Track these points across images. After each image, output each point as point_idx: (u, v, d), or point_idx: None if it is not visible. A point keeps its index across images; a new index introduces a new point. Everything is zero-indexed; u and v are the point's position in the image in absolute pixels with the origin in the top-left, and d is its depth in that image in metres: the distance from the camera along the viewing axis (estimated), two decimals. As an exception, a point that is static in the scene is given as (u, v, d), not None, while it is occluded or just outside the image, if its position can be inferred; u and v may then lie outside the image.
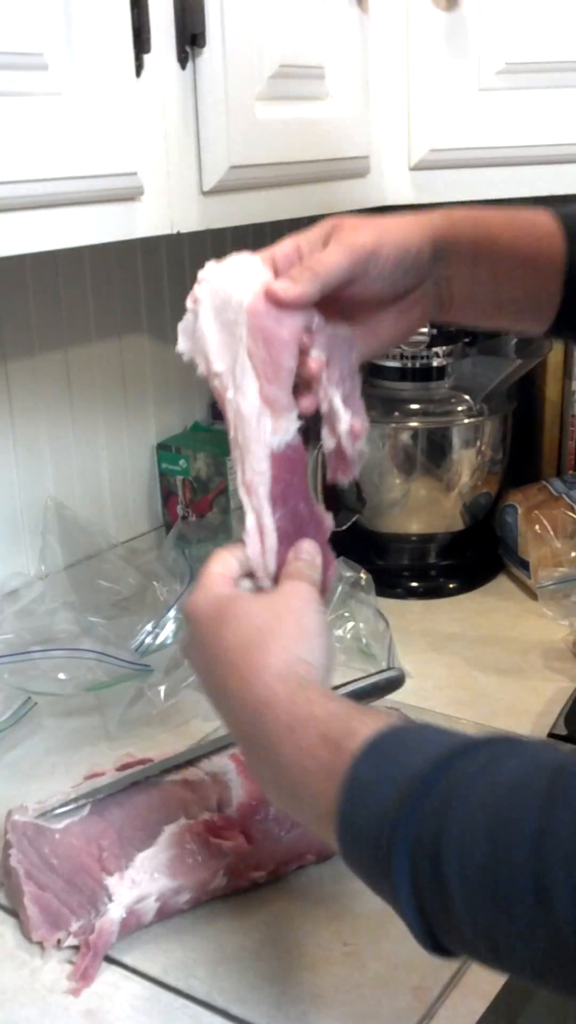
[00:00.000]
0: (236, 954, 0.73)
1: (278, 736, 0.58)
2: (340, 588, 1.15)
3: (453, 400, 1.25)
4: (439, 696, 1.04)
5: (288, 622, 0.65)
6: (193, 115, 0.88)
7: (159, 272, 1.32)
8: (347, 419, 0.71)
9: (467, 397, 1.25)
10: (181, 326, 0.71)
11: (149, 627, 1.11)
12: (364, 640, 1.11)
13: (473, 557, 1.34)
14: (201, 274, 0.70)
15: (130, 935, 0.75)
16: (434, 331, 1.22)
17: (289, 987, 0.70)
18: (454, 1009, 0.68)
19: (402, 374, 1.24)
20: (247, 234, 1.45)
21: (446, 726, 0.56)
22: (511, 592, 1.29)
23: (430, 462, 1.25)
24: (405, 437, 1.24)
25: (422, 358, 1.24)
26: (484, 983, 0.70)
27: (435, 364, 1.24)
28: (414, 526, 1.29)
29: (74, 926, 0.74)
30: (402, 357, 1.23)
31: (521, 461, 1.41)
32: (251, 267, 0.69)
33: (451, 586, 1.29)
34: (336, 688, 0.92)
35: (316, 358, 0.69)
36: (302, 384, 0.70)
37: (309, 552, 0.71)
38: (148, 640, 1.10)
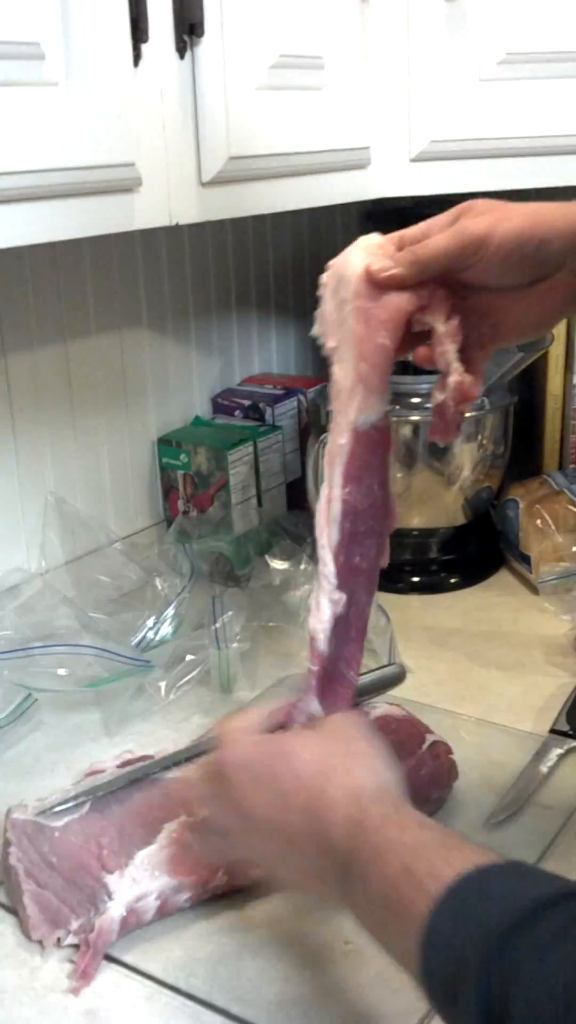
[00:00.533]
0: (236, 953, 0.73)
1: (367, 860, 0.58)
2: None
3: (455, 393, 1.24)
4: (440, 691, 1.04)
5: (360, 742, 0.66)
6: (192, 105, 0.87)
7: (159, 265, 1.32)
8: (458, 374, 0.69)
9: (469, 390, 1.24)
10: (317, 313, 0.72)
11: (150, 623, 1.11)
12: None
13: (474, 552, 1.33)
14: (331, 261, 0.72)
15: (130, 934, 0.74)
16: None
17: (290, 986, 0.70)
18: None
19: (403, 367, 1.22)
20: (247, 226, 1.45)
21: (532, 866, 0.55)
22: (512, 587, 1.28)
23: (431, 456, 1.25)
24: (406, 431, 1.23)
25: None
26: (487, 981, 0.70)
27: (436, 357, 1.23)
28: (415, 520, 1.28)
29: (74, 925, 0.73)
30: (403, 351, 1.22)
31: (522, 455, 1.40)
32: (370, 247, 0.70)
33: (452, 581, 1.29)
34: None
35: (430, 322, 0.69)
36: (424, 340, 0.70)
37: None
38: (149, 636, 1.10)
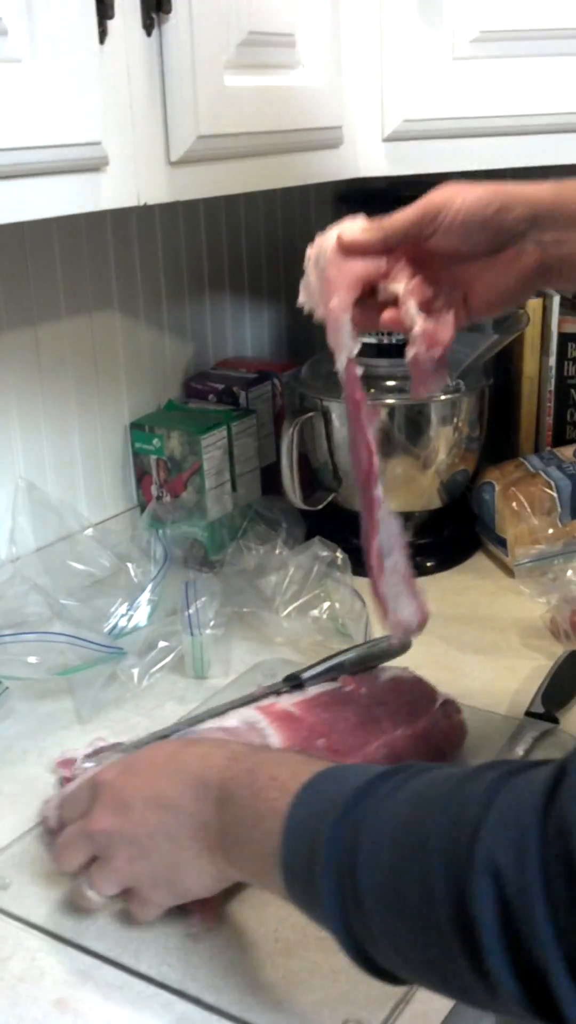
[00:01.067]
0: (209, 941, 0.72)
1: (239, 782, 0.65)
2: (316, 567, 1.14)
3: (429, 376, 1.24)
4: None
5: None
6: (159, 83, 0.85)
7: (130, 247, 1.30)
8: (421, 324, 0.75)
9: (443, 373, 1.24)
10: (301, 282, 0.81)
11: (122, 609, 1.10)
12: (340, 620, 1.10)
13: (450, 535, 1.33)
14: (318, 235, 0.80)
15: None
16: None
17: (263, 973, 0.69)
18: (429, 995, 0.67)
19: (379, 350, 1.23)
20: (219, 206, 1.43)
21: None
22: (488, 570, 1.28)
23: (407, 439, 1.24)
24: (382, 414, 1.22)
25: (398, 334, 1.22)
26: (461, 966, 0.69)
27: (411, 340, 1.23)
28: (391, 504, 1.27)
29: None
30: (378, 333, 1.21)
31: (498, 438, 1.39)
32: (350, 224, 0.79)
33: (428, 564, 1.28)
34: (343, 652, 0.99)
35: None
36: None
37: None
38: (121, 622, 1.09)
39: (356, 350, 0.78)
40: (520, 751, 0.91)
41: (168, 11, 0.83)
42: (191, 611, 1.05)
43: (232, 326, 1.50)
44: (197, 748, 0.72)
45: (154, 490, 1.31)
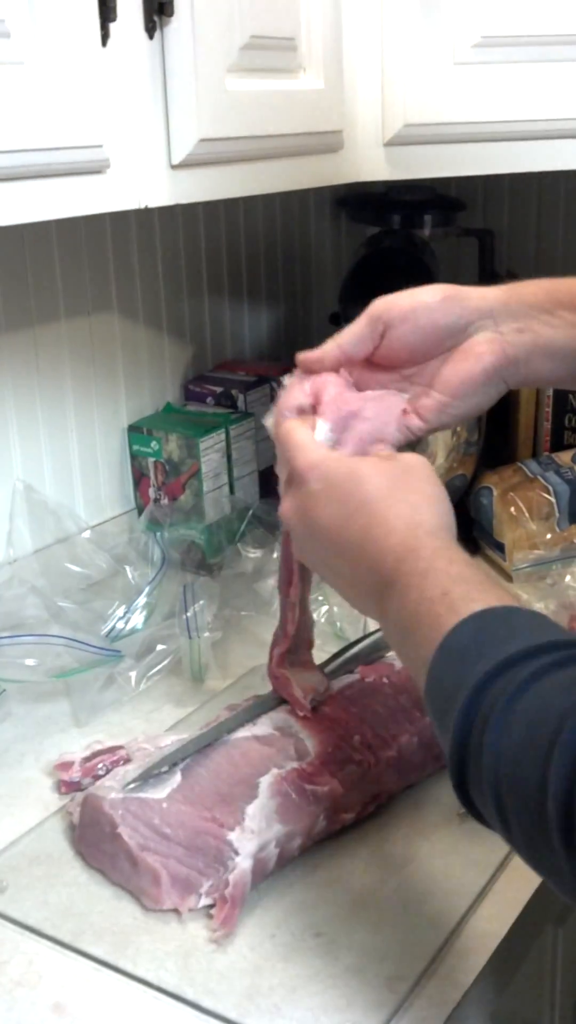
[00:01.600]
0: (207, 945, 0.72)
1: (410, 580, 0.62)
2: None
3: (428, 381, 1.24)
4: (414, 680, 1.03)
5: (426, 482, 0.68)
6: (161, 86, 0.85)
7: (129, 249, 1.30)
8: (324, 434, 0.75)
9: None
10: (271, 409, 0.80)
11: (120, 612, 1.10)
12: (339, 624, 1.10)
13: (448, 539, 1.33)
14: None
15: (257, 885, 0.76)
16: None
17: (261, 978, 0.69)
18: (429, 999, 0.67)
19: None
20: (218, 209, 1.43)
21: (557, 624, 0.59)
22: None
23: (405, 444, 1.24)
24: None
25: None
26: (459, 972, 0.69)
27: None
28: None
29: (205, 886, 0.75)
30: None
31: (496, 443, 1.39)
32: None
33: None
34: (355, 643, 0.98)
35: None
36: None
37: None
38: (119, 625, 1.09)
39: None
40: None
41: (170, 14, 0.83)
42: (189, 614, 1.04)
43: (231, 329, 1.50)
44: (389, 513, 0.66)
45: (152, 493, 1.31)
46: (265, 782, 0.80)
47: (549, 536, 1.23)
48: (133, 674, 1.03)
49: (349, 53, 1.04)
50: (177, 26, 0.84)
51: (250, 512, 1.31)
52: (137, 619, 1.09)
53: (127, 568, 1.17)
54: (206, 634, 1.04)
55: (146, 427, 1.30)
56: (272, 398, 1.38)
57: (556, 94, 1.06)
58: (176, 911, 0.74)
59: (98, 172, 0.81)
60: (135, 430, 1.31)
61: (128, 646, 1.05)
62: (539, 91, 1.06)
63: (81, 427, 1.27)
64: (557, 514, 1.24)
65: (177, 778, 0.81)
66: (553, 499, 1.25)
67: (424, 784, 0.87)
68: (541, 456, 1.39)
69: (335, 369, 0.77)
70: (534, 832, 0.50)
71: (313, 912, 0.75)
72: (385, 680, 0.92)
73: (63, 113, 0.76)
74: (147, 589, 1.12)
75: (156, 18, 0.83)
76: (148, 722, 0.98)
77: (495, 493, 1.28)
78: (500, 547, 1.26)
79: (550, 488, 1.26)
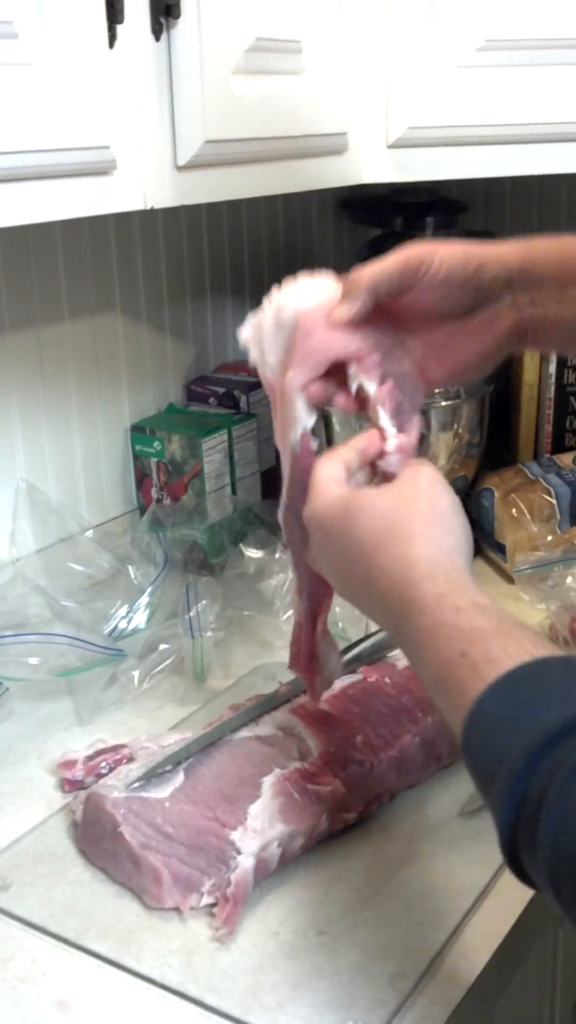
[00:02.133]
0: (210, 943, 0.72)
1: (420, 638, 0.59)
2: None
3: (430, 382, 1.24)
4: (415, 680, 1.04)
5: (421, 505, 0.64)
6: (167, 88, 0.86)
7: (133, 250, 1.30)
8: (395, 439, 0.70)
9: (444, 379, 1.24)
10: (250, 317, 0.75)
11: (123, 611, 1.10)
12: (340, 624, 1.10)
13: (449, 541, 1.33)
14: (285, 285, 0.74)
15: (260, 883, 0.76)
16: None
17: (264, 976, 0.69)
18: (431, 996, 0.68)
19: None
20: (221, 210, 1.44)
21: None
22: (488, 576, 1.28)
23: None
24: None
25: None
26: (461, 970, 0.70)
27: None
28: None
29: (207, 885, 0.75)
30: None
31: (498, 444, 1.40)
32: (320, 284, 0.73)
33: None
34: (357, 643, 0.98)
35: (367, 383, 0.71)
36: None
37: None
38: (121, 625, 1.09)
39: (311, 423, 0.72)
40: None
41: (177, 16, 0.84)
42: (191, 614, 1.05)
43: (233, 330, 1.49)
44: (383, 558, 0.63)
45: (154, 493, 1.32)
46: (268, 782, 0.80)
47: (550, 538, 1.24)
48: (136, 673, 1.03)
49: (353, 56, 1.05)
50: (183, 28, 0.85)
51: (252, 512, 1.31)
52: (140, 619, 1.09)
53: (130, 568, 1.17)
54: (208, 634, 1.05)
55: (149, 427, 1.31)
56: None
57: (558, 97, 1.07)
58: (178, 910, 0.75)
59: (105, 173, 0.81)
60: (138, 430, 1.31)
61: (131, 645, 1.05)
62: (542, 94, 1.07)
63: (84, 427, 1.27)
64: (558, 516, 1.25)
65: (180, 777, 0.81)
66: (554, 501, 1.25)
67: (426, 783, 0.88)
68: (542, 458, 1.39)
69: (355, 323, 0.71)
70: None
71: (316, 910, 0.75)
72: (387, 680, 0.92)
73: (70, 114, 0.77)
74: (149, 589, 1.12)
75: (163, 20, 0.84)
76: (151, 721, 0.99)
77: (496, 495, 1.28)
78: (501, 549, 1.26)
79: (551, 490, 1.26)
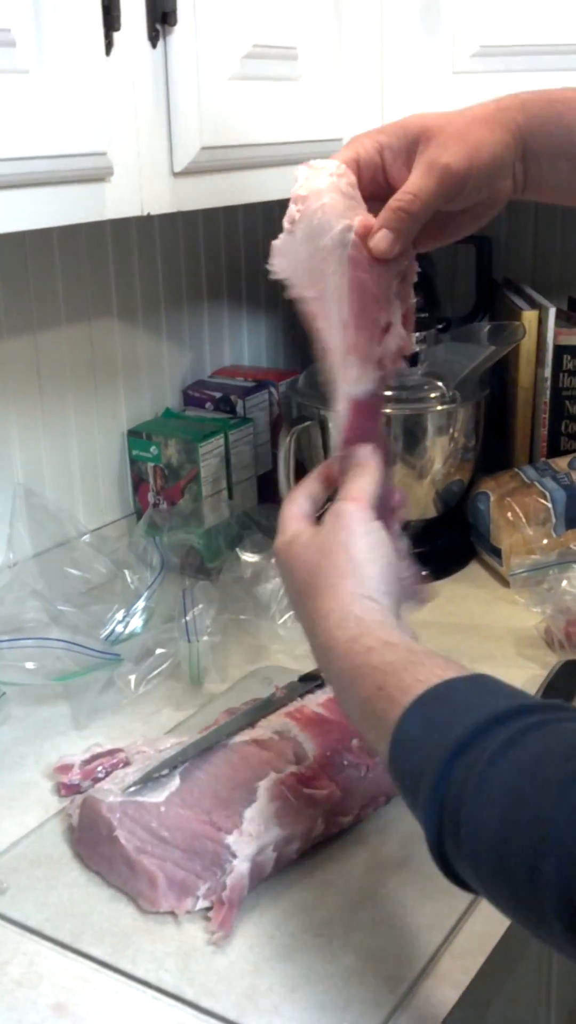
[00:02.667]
0: (206, 946, 0.73)
1: (342, 681, 0.64)
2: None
3: (426, 387, 1.25)
4: (411, 684, 1.04)
5: (337, 556, 0.67)
6: (164, 94, 0.86)
7: (129, 255, 1.31)
8: (401, 339, 0.71)
9: (440, 384, 1.25)
10: (276, 244, 0.70)
11: (119, 616, 1.10)
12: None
13: (445, 545, 1.33)
14: (295, 190, 0.70)
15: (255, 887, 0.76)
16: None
17: (260, 979, 0.70)
18: (426, 998, 0.68)
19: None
20: (217, 215, 1.44)
21: (495, 681, 0.58)
22: (483, 579, 1.29)
23: (403, 449, 1.25)
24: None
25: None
26: (456, 973, 0.70)
27: (408, 350, 1.23)
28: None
29: (202, 889, 0.75)
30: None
31: (493, 448, 1.40)
32: (338, 184, 0.68)
33: (423, 574, 1.28)
34: None
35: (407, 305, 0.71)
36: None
37: (362, 457, 0.72)
38: (118, 629, 1.09)
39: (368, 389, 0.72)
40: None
41: (173, 23, 0.84)
42: (188, 618, 1.05)
43: (229, 335, 1.51)
44: (309, 608, 0.67)
45: (151, 497, 1.32)
46: (263, 786, 0.81)
47: (546, 541, 1.24)
48: (132, 677, 1.03)
49: (349, 61, 1.05)
50: (180, 35, 0.85)
51: (249, 517, 1.31)
52: (136, 623, 1.10)
53: (126, 572, 1.17)
54: (205, 638, 1.05)
55: (145, 432, 1.31)
56: (271, 403, 1.39)
57: (554, 104, 1.07)
58: (173, 914, 0.75)
59: (102, 180, 0.82)
60: (135, 435, 1.32)
61: (127, 650, 1.05)
62: (537, 101, 1.07)
63: (81, 432, 1.28)
64: (554, 519, 1.25)
65: (176, 782, 0.82)
66: (550, 504, 1.26)
67: (422, 787, 0.88)
68: (538, 462, 1.39)
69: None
70: (529, 915, 0.50)
71: (312, 913, 0.75)
72: None
73: (68, 121, 0.77)
74: (146, 593, 1.12)
75: (159, 27, 0.84)
76: (147, 725, 0.99)
77: (492, 498, 1.29)
78: (497, 552, 1.26)
79: (547, 494, 1.26)
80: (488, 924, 0.74)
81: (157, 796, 0.80)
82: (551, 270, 1.60)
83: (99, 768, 0.88)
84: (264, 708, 0.90)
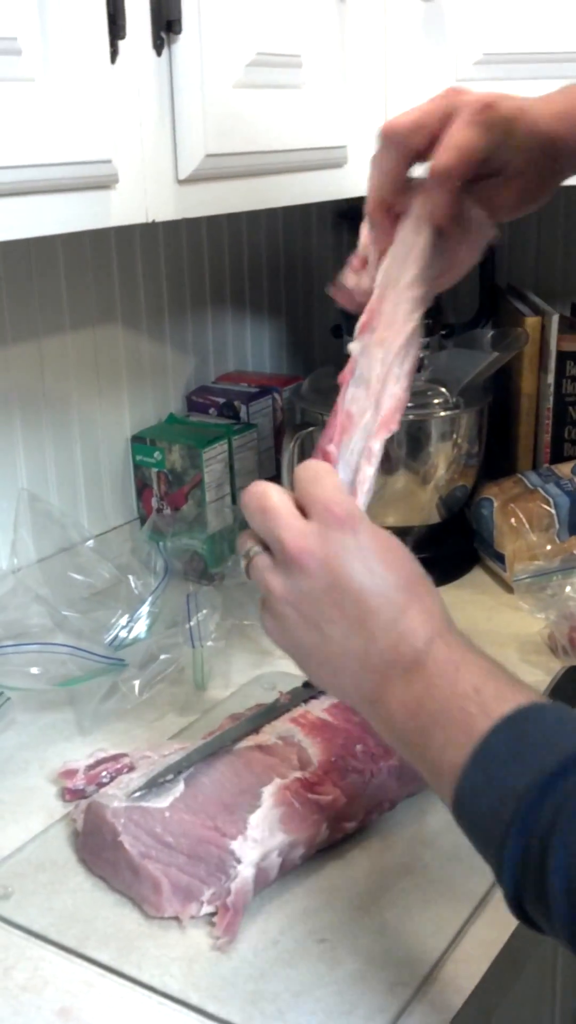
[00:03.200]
0: (210, 951, 0.73)
1: (432, 673, 0.60)
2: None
3: (430, 393, 1.25)
4: (415, 690, 1.04)
5: (416, 570, 0.65)
6: (169, 102, 0.86)
7: (134, 262, 1.31)
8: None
9: (444, 390, 1.25)
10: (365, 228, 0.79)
11: (123, 621, 1.10)
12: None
13: (449, 550, 1.34)
14: None
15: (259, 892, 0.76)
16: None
17: (264, 984, 0.70)
18: (431, 1004, 0.68)
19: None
20: (221, 221, 1.45)
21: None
22: (487, 585, 1.29)
23: (407, 455, 1.25)
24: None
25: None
26: (461, 978, 0.70)
27: (411, 356, 1.24)
28: (390, 519, 1.28)
29: (207, 894, 0.75)
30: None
31: (497, 454, 1.40)
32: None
33: (427, 579, 1.29)
34: None
35: None
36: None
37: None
38: (122, 634, 1.09)
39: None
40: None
41: (178, 32, 0.84)
42: (192, 623, 1.05)
43: (233, 340, 1.51)
44: (409, 606, 0.64)
45: (155, 502, 1.32)
46: (268, 791, 0.81)
47: (549, 547, 1.24)
48: (136, 683, 1.03)
49: (353, 69, 1.05)
50: (185, 43, 0.85)
51: (252, 522, 1.31)
52: (140, 628, 1.10)
53: (130, 577, 1.17)
54: (209, 643, 1.05)
55: (149, 437, 1.31)
56: (274, 409, 1.39)
57: (557, 111, 1.08)
58: (178, 919, 0.75)
59: (106, 187, 0.82)
60: (138, 440, 1.32)
61: (131, 655, 1.05)
62: (540, 108, 1.07)
63: (85, 437, 1.28)
64: (557, 525, 1.25)
65: (180, 787, 0.82)
66: (553, 510, 1.26)
67: (426, 792, 0.88)
68: (541, 468, 1.40)
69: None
70: None
71: (316, 918, 0.75)
72: None
73: (73, 129, 0.77)
74: (150, 599, 1.12)
75: (164, 35, 0.84)
76: (151, 730, 0.99)
77: (495, 504, 1.29)
78: (500, 558, 1.26)
79: (550, 499, 1.27)
80: (493, 930, 0.74)
81: (162, 801, 0.80)
82: (554, 276, 1.60)
83: (103, 773, 0.88)
84: (268, 713, 0.91)
